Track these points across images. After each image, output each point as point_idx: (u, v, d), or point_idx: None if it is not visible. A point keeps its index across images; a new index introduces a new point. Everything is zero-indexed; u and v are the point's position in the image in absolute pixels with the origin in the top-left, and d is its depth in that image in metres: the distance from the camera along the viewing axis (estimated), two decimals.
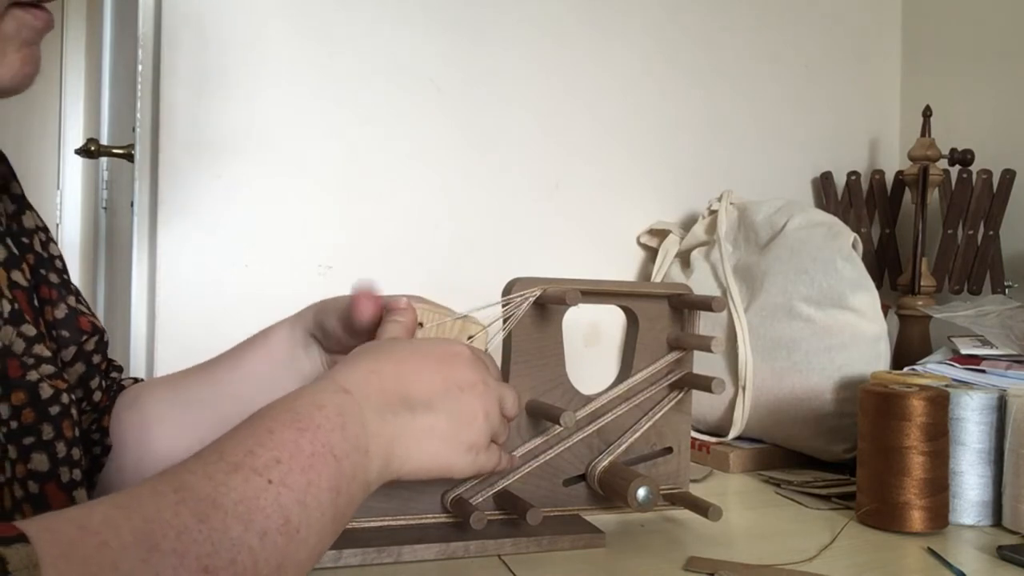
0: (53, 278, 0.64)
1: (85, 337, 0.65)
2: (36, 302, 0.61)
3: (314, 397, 0.46)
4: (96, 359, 0.68)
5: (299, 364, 0.70)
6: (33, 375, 0.55)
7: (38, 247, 0.64)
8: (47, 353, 0.57)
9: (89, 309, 0.68)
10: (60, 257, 0.66)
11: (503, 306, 0.71)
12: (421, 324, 0.64)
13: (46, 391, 0.55)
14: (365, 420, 0.47)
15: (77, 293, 0.68)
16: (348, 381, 0.49)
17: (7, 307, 0.55)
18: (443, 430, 0.52)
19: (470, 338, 0.66)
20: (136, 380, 0.76)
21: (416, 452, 0.50)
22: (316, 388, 0.47)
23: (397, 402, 0.50)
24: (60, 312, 0.64)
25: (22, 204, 0.64)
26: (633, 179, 1.28)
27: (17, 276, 0.59)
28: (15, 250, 0.60)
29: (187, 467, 0.40)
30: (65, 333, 0.64)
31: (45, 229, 0.66)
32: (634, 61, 1.28)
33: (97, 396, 0.69)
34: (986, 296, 1.20)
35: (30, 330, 0.56)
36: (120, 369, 0.75)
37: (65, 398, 0.56)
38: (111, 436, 0.70)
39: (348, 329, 0.65)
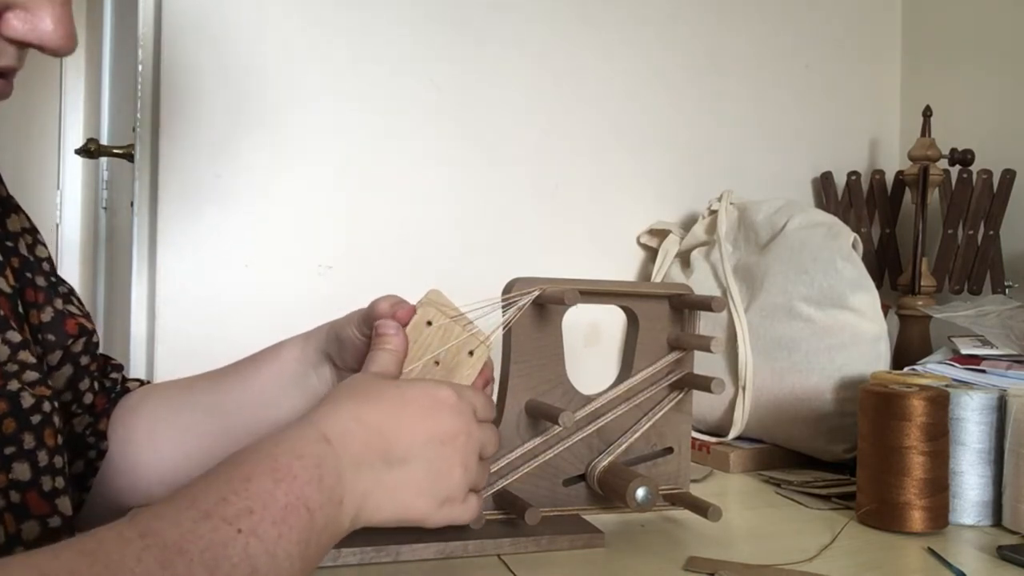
0: (40, 281, 0.63)
1: (71, 340, 0.65)
2: (21, 307, 0.61)
3: (294, 445, 0.46)
4: (84, 360, 0.67)
5: (309, 383, 0.69)
6: (14, 384, 0.54)
7: (24, 250, 0.63)
8: (32, 360, 0.56)
9: (81, 309, 0.68)
10: (48, 259, 0.66)
11: (503, 306, 0.71)
12: (429, 323, 0.64)
13: (27, 400, 0.54)
14: (342, 472, 0.47)
15: (68, 294, 0.67)
16: (330, 430, 0.48)
17: None
18: (418, 483, 0.51)
19: (471, 352, 0.66)
20: (142, 383, 0.76)
21: (388, 505, 0.49)
22: (298, 435, 0.47)
23: (376, 456, 0.49)
24: (46, 316, 0.63)
25: (6, 206, 0.63)
26: (633, 179, 1.28)
27: (0, 282, 0.58)
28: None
29: (156, 512, 0.39)
30: (51, 337, 0.63)
31: (32, 231, 0.65)
32: (634, 61, 1.28)
33: (89, 398, 0.68)
34: (986, 296, 1.20)
35: (15, 336, 0.55)
36: (119, 368, 0.75)
37: (47, 406, 0.56)
38: (111, 439, 0.70)
39: (369, 332, 0.64)
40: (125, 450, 0.70)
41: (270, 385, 0.70)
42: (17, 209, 0.64)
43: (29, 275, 0.63)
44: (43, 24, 0.46)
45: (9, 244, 0.62)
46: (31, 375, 0.56)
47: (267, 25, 1.05)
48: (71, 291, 0.68)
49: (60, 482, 0.56)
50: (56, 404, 0.57)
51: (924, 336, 1.20)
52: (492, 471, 0.71)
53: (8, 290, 0.59)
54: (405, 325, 0.62)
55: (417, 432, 0.51)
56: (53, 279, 0.65)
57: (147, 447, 0.70)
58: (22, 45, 0.47)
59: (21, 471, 0.53)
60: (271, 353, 0.71)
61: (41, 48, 0.47)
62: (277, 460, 0.44)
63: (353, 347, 0.66)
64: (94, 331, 0.68)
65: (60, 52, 0.48)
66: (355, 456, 0.48)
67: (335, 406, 0.50)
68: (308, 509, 0.43)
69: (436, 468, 0.51)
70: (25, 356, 0.56)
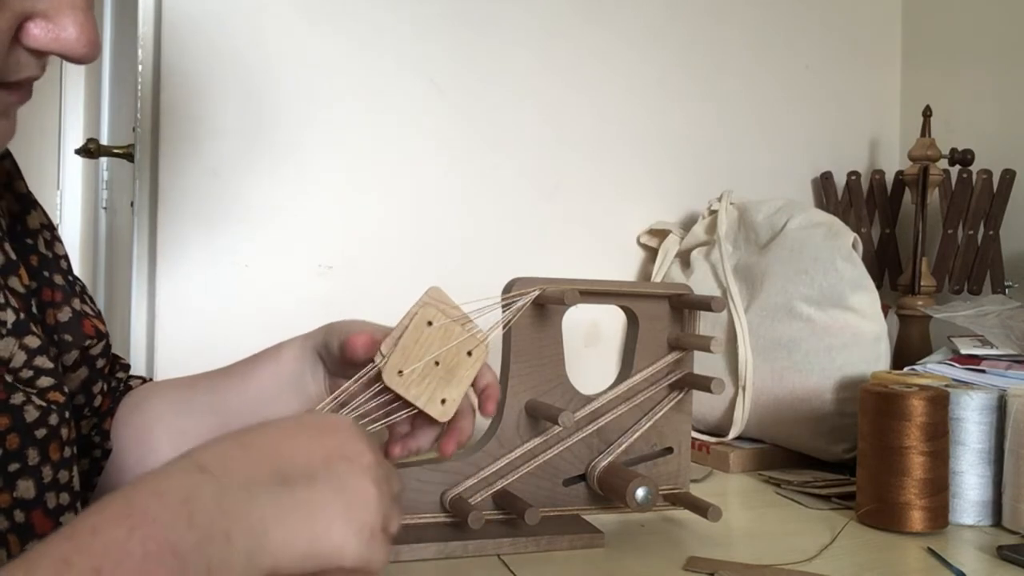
0: (57, 279, 0.63)
1: (88, 342, 0.65)
2: (36, 308, 0.60)
3: (159, 483, 0.39)
4: (100, 363, 0.67)
5: (304, 384, 0.69)
6: (18, 397, 0.52)
7: (42, 247, 0.62)
8: (48, 364, 0.55)
9: (93, 308, 0.68)
10: (66, 256, 0.65)
11: (502, 306, 0.71)
12: (430, 323, 0.64)
13: (31, 413, 0.53)
14: (224, 501, 0.39)
15: (83, 292, 0.67)
16: (208, 457, 0.41)
17: (11, 317, 0.54)
18: (330, 505, 0.42)
19: (469, 353, 0.66)
20: (145, 380, 0.76)
21: (299, 532, 0.40)
22: (168, 469, 0.40)
23: (269, 475, 0.41)
24: (63, 316, 0.62)
25: (27, 203, 0.63)
26: (633, 179, 1.28)
27: (14, 282, 0.57)
28: (13, 255, 0.59)
29: None
30: (68, 337, 0.63)
31: (51, 227, 0.64)
32: (635, 61, 1.28)
33: (98, 400, 0.68)
34: (986, 296, 1.20)
35: (33, 341, 0.55)
36: (127, 367, 0.75)
37: (54, 418, 0.54)
38: (113, 438, 0.70)
39: (344, 357, 0.65)
40: (126, 450, 0.70)
41: (268, 385, 0.70)
42: (35, 205, 0.64)
43: (47, 274, 0.62)
44: (66, 33, 0.44)
45: (28, 241, 0.61)
46: (46, 380, 0.55)
47: (267, 24, 1.05)
48: (84, 288, 0.68)
49: (65, 498, 0.55)
50: (67, 414, 0.56)
51: (924, 336, 1.20)
52: (492, 471, 0.71)
53: (22, 290, 0.58)
54: (363, 353, 0.63)
55: (315, 449, 0.44)
56: (71, 277, 0.65)
57: (147, 448, 0.70)
58: (44, 54, 0.46)
59: (26, 488, 0.52)
60: (272, 353, 0.71)
61: (64, 56, 0.46)
62: (132, 503, 0.37)
63: (334, 362, 0.67)
64: (107, 333, 0.68)
65: (84, 60, 0.46)
66: (243, 479, 0.40)
67: (220, 438, 0.44)
68: (176, 555, 0.36)
69: (349, 486, 0.43)
70: (42, 361, 0.55)
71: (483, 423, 0.74)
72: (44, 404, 0.54)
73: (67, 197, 2.66)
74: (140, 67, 1.02)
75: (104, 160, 1.82)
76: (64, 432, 0.56)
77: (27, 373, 0.54)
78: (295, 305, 1.05)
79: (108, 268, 1.82)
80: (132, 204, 1.06)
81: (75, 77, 2.56)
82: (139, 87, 1.02)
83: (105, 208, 1.92)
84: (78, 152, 1.33)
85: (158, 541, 0.36)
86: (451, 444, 0.66)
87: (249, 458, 0.42)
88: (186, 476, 0.39)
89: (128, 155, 1.18)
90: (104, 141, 1.79)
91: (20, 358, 0.54)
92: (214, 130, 1.03)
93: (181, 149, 1.02)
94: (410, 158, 1.13)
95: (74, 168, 2.61)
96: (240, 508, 0.39)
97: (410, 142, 1.13)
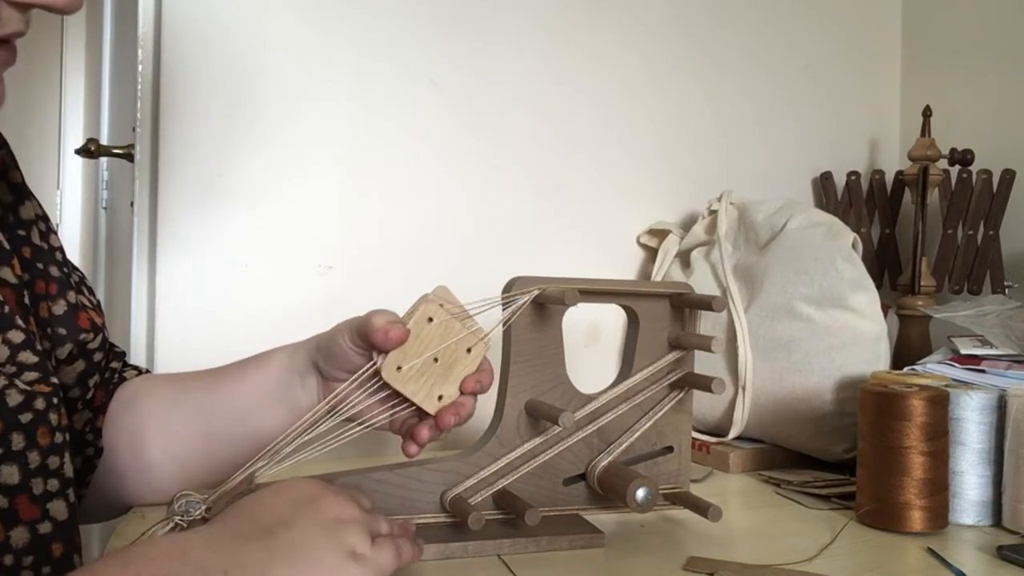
0: (53, 271, 0.62)
1: (84, 335, 0.64)
2: (28, 299, 0.59)
3: (152, 537, 0.44)
4: (97, 357, 0.67)
5: (293, 393, 0.69)
6: None
7: (36, 239, 0.62)
8: (32, 359, 0.55)
9: (91, 300, 0.67)
10: (61, 249, 0.65)
11: (502, 305, 0.71)
12: (431, 319, 0.65)
13: (15, 398, 0.53)
14: (215, 545, 0.43)
15: (80, 284, 0.67)
16: (193, 528, 0.47)
17: None
18: (315, 541, 0.46)
19: (468, 350, 0.66)
20: (140, 371, 0.76)
21: (294, 569, 0.44)
22: (163, 531, 0.46)
23: (251, 530, 0.46)
24: (58, 308, 0.62)
25: (21, 193, 0.62)
26: (633, 179, 1.28)
27: (6, 273, 0.57)
28: (6, 244, 0.58)
29: None
30: (62, 331, 0.62)
31: (45, 218, 0.64)
32: (635, 61, 1.28)
33: (91, 393, 0.68)
34: (986, 296, 1.20)
35: (17, 336, 0.54)
36: (121, 356, 0.75)
37: (40, 403, 0.54)
38: (105, 438, 0.69)
39: (365, 342, 0.64)
40: (118, 450, 0.69)
41: (254, 391, 0.69)
42: (30, 196, 0.63)
43: (41, 265, 0.61)
44: None
45: (21, 233, 0.61)
46: (30, 375, 0.55)
47: (267, 25, 1.05)
48: (83, 279, 0.68)
49: (54, 484, 0.55)
50: (55, 400, 0.56)
51: (924, 336, 1.20)
52: (492, 471, 0.71)
53: (14, 280, 0.58)
54: (397, 345, 0.62)
55: (279, 502, 0.49)
56: (66, 269, 0.65)
57: (137, 448, 0.69)
58: (27, 7, 0.46)
59: (9, 474, 0.52)
60: (260, 360, 0.71)
61: (48, 8, 0.46)
62: (128, 549, 0.42)
63: (343, 356, 0.66)
64: (104, 325, 0.68)
65: (66, 10, 0.46)
66: (229, 530, 0.45)
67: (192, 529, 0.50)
68: None
69: (323, 522, 0.48)
70: (25, 356, 0.55)
71: (483, 422, 0.74)
72: (28, 389, 0.54)
73: (67, 197, 2.66)
74: (140, 67, 1.02)
75: (104, 160, 1.82)
76: (53, 418, 0.55)
77: (10, 368, 0.54)
78: (295, 305, 1.05)
79: (108, 268, 1.82)
80: (132, 204, 1.06)
81: (75, 77, 2.56)
82: (139, 87, 1.02)
83: (105, 208, 1.92)
84: (78, 152, 1.33)
85: (152, 572, 0.39)
86: (448, 417, 0.66)
87: (229, 520, 0.47)
88: (176, 534, 0.44)
89: (128, 155, 1.18)
90: (104, 141, 1.79)
91: (3, 353, 0.53)
92: (214, 130, 1.03)
93: (181, 149, 1.02)
94: (410, 158, 1.13)
95: (74, 168, 2.61)
96: (232, 550, 0.43)
97: (410, 142, 1.13)
